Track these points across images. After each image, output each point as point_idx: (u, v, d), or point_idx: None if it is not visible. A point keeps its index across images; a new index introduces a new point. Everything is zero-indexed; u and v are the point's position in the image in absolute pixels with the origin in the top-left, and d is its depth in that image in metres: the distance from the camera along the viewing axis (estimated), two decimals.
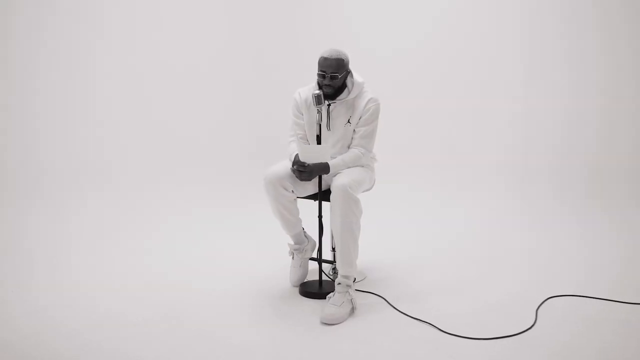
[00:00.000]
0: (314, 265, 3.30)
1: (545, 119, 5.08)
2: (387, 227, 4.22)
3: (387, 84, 5.16)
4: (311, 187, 2.96)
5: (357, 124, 2.94)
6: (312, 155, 2.75)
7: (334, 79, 2.81)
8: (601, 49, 4.91)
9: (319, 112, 2.82)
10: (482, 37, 5.17)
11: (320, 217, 2.94)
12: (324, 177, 2.96)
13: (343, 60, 2.83)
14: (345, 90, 2.92)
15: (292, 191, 2.88)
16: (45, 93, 4.78)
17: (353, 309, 2.75)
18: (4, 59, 4.60)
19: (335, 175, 2.84)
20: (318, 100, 2.79)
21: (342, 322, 2.67)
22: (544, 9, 5.01)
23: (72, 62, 4.87)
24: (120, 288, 3.11)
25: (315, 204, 3.00)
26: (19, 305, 2.87)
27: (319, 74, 2.85)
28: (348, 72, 2.92)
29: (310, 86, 3.03)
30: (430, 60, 5.32)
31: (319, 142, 2.86)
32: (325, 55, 2.82)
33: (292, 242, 3.14)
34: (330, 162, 2.83)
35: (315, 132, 2.92)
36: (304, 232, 3.15)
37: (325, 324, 2.64)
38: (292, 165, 2.79)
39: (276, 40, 5.73)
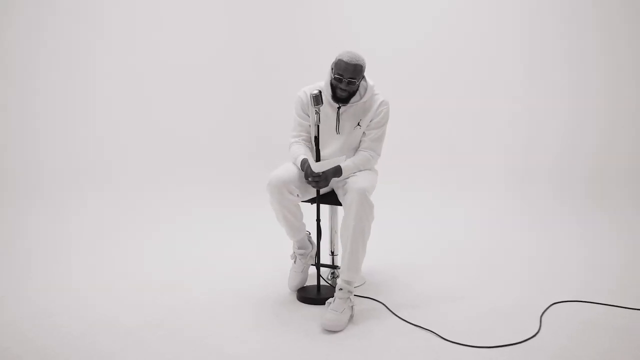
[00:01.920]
0: (312, 269, 3.18)
1: (545, 119, 4.93)
2: (387, 228, 4.07)
3: (387, 84, 5.00)
4: (315, 189, 2.82)
5: (367, 126, 2.81)
6: (325, 168, 2.63)
7: (351, 84, 2.67)
8: (601, 49, 4.77)
9: (317, 112, 2.67)
10: (482, 37, 5.03)
11: (318, 220, 2.79)
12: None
13: (362, 66, 2.68)
14: (357, 94, 2.78)
15: (297, 195, 2.74)
16: (45, 93, 4.66)
17: (352, 316, 2.62)
18: (3, 59, 4.47)
19: (348, 178, 2.72)
20: (316, 100, 2.64)
21: (343, 329, 2.52)
22: (544, 9, 4.87)
23: (72, 62, 4.74)
24: (118, 290, 3.00)
25: (312, 207, 2.84)
26: (18, 306, 2.78)
27: (336, 77, 2.68)
28: (362, 78, 2.77)
29: (315, 85, 2.88)
30: (430, 60, 5.17)
31: (317, 144, 2.71)
32: (346, 60, 2.65)
33: (295, 247, 2.99)
34: (342, 165, 2.71)
35: (324, 134, 2.80)
36: (309, 237, 3.01)
37: (326, 330, 2.49)
38: (306, 178, 2.64)
39: (276, 40, 5.57)
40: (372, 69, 5.05)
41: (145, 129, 5.06)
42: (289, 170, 2.73)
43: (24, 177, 4.49)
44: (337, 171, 2.68)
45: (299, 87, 2.92)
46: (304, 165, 2.67)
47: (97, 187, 4.65)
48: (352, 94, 2.73)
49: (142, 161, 4.97)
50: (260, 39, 5.57)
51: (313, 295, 2.81)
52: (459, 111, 5.11)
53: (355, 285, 2.95)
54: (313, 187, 2.64)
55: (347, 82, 2.66)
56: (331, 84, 2.74)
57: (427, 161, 5.10)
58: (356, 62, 2.65)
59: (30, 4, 4.54)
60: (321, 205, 2.83)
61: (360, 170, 2.78)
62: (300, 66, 5.40)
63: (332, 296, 2.66)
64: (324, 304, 2.69)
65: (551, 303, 2.77)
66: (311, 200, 2.88)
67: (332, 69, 2.72)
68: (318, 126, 2.69)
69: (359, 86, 2.74)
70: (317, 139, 2.70)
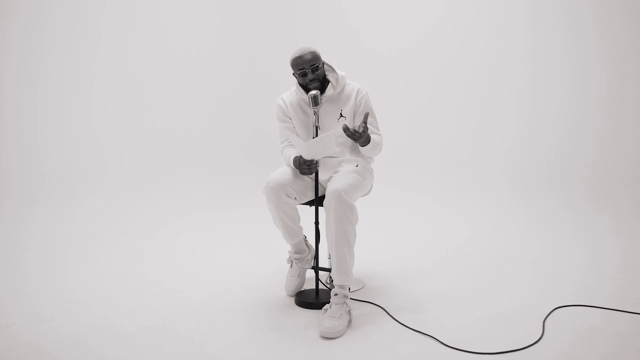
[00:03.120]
0: (310, 272, 3.08)
1: (547, 121, 4.81)
2: (387, 232, 3.97)
3: (387, 84, 4.92)
4: (312, 192, 2.73)
5: (353, 116, 2.73)
6: (317, 149, 2.49)
7: (315, 70, 2.62)
8: (604, 50, 4.66)
9: (316, 113, 2.58)
10: (482, 38, 4.93)
11: (316, 223, 2.70)
12: (322, 182, 2.75)
13: (315, 52, 2.66)
14: (330, 86, 2.71)
15: (295, 198, 2.65)
16: (43, 97, 4.57)
17: (350, 321, 2.52)
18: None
19: (329, 180, 2.62)
20: (315, 101, 2.56)
21: (342, 334, 2.42)
22: (546, 10, 4.76)
23: (68, 63, 4.65)
24: (115, 294, 2.92)
25: (311, 209, 2.74)
26: (15, 310, 2.71)
27: (299, 74, 2.64)
28: (323, 63, 2.72)
29: (291, 90, 2.82)
30: (430, 60, 5.07)
31: None
32: (297, 55, 2.64)
33: (292, 251, 2.89)
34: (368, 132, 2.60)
35: (310, 133, 2.73)
36: (306, 240, 2.92)
37: (325, 337, 2.39)
38: (303, 172, 2.55)
39: (276, 40, 5.46)
40: (372, 69, 4.97)
41: (142, 133, 4.97)
42: (287, 173, 2.65)
43: (20, 180, 4.41)
44: (366, 139, 2.56)
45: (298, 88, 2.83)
46: (296, 161, 2.59)
47: (94, 190, 4.58)
48: (322, 81, 2.68)
49: (139, 164, 4.89)
50: (260, 39, 5.46)
51: (311, 299, 2.71)
52: (460, 112, 5.01)
53: (353, 289, 2.87)
54: (312, 171, 2.54)
55: (311, 70, 2.62)
56: (301, 85, 2.70)
57: (427, 163, 5.00)
58: (308, 51, 2.63)
59: (29, 5, 4.47)
60: (320, 208, 2.73)
61: (375, 146, 2.65)
62: None
63: (329, 301, 2.57)
64: (322, 308, 2.59)
65: (554, 307, 2.67)
66: (309, 203, 2.79)
67: (294, 74, 2.67)
68: (317, 127, 2.60)
69: (323, 70, 2.68)
70: None
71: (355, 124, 2.73)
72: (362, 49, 5.06)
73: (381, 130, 2.85)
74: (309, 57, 2.61)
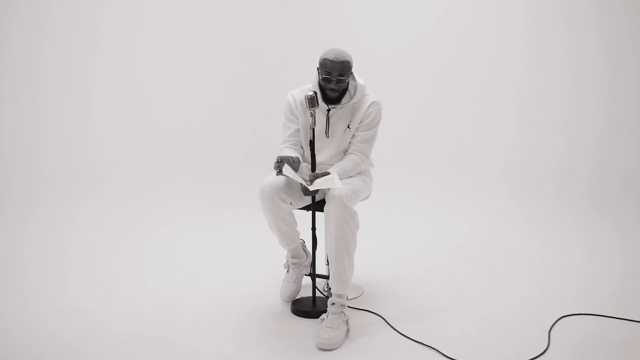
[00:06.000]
0: (306, 280, 2.89)
1: (547, 122, 4.60)
2: (386, 232, 3.77)
3: (387, 84, 4.72)
4: (309, 197, 2.52)
5: (356, 128, 2.54)
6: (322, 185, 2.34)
7: (340, 82, 2.41)
8: (604, 50, 4.44)
9: (313, 115, 2.38)
10: (483, 37, 4.72)
11: (313, 229, 2.51)
12: None
13: (349, 62, 2.43)
14: (347, 95, 2.51)
15: (291, 203, 2.46)
16: (43, 97, 4.39)
17: (348, 331, 2.33)
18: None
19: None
20: (311, 102, 2.36)
21: (340, 346, 2.23)
22: (546, 10, 4.55)
23: (68, 63, 4.46)
24: (113, 299, 2.75)
25: (308, 214, 2.55)
26: (13, 314, 2.56)
27: (323, 78, 2.41)
28: (353, 77, 2.53)
29: (303, 88, 2.60)
30: (430, 60, 4.86)
31: (312, 148, 2.44)
32: (331, 58, 2.39)
33: (289, 255, 2.70)
34: (332, 173, 2.43)
35: (316, 136, 2.54)
36: (303, 246, 2.73)
37: (322, 349, 2.20)
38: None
39: (276, 40, 5.25)
40: (372, 69, 4.76)
41: (142, 133, 4.76)
42: (282, 177, 2.44)
43: (20, 180, 4.24)
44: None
45: (297, 87, 2.65)
46: (282, 157, 2.36)
47: (94, 190, 4.38)
48: (342, 92, 2.47)
49: (139, 164, 4.68)
50: (260, 39, 5.25)
51: (308, 308, 2.53)
52: (460, 112, 4.81)
53: (351, 296, 2.68)
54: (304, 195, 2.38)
55: (336, 80, 2.40)
56: (320, 86, 2.48)
57: (427, 163, 4.79)
58: (342, 59, 2.40)
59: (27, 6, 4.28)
60: (317, 213, 2.54)
61: (350, 176, 2.51)
62: (300, 66, 5.09)
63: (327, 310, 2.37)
64: (319, 317, 2.40)
65: (560, 316, 2.48)
66: (306, 208, 2.60)
67: (318, 70, 2.46)
68: (313, 130, 2.41)
69: (348, 83, 2.47)
70: (312, 143, 2.42)
71: (359, 131, 2.54)
72: (362, 49, 4.83)
73: (374, 150, 2.63)
74: (339, 66, 2.38)
